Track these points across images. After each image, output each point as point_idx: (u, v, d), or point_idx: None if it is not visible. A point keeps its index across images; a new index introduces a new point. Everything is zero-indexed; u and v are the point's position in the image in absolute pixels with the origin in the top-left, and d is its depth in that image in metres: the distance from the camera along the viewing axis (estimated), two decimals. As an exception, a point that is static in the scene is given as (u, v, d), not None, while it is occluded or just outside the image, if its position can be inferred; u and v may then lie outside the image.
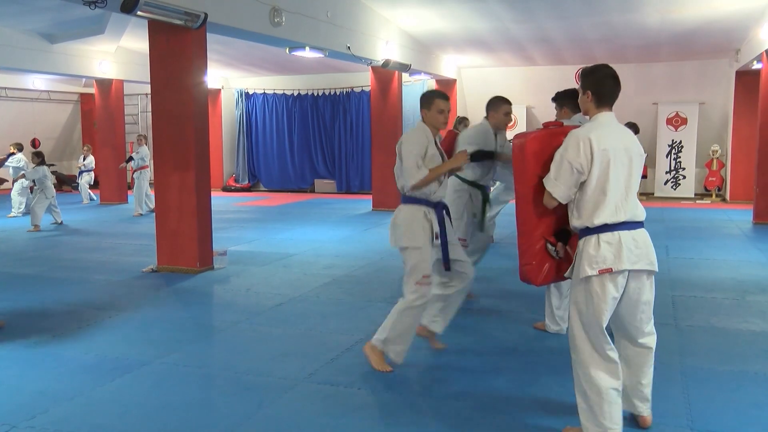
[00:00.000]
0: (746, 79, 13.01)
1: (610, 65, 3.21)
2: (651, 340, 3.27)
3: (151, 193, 12.03)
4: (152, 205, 11.61)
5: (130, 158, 12.89)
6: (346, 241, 9.26)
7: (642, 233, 3.10)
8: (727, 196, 14.00)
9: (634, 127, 8.71)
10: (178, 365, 4.38)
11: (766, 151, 10.53)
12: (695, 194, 14.49)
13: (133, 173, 12.69)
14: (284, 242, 9.20)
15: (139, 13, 6.28)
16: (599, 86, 3.14)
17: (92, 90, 15.14)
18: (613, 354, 3.11)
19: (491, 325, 5.23)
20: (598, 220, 3.04)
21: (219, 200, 13.01)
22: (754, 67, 11.68)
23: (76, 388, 3.98)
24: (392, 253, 8.12)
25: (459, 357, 4.50)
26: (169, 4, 6.52)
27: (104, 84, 14.06)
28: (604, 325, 3.09)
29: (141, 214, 12.19)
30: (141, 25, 8.28)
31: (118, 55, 13.74)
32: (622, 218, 3.05)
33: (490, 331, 5.06)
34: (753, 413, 3.54)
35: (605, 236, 3.03)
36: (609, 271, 2.99)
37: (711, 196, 14.35)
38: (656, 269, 3.13)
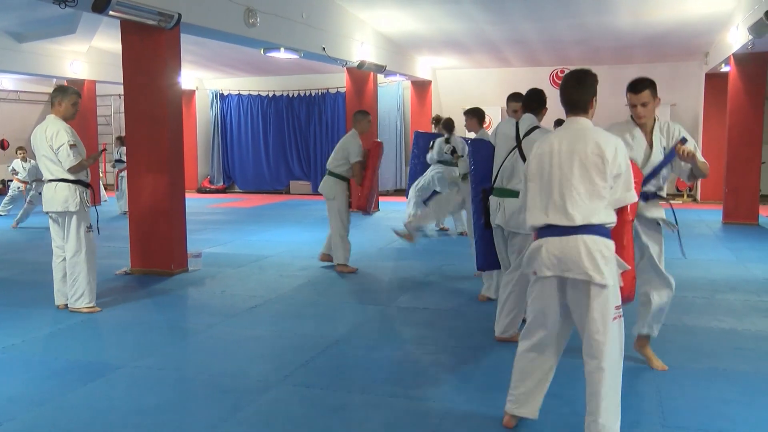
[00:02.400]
0: (715, 81, 13.24)
1: (584, 68, 3.23)
2: (602, 364, 2.99)
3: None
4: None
5: (121, 161, 12.56)
6: (321, 243, 9.18)
7: (575, 240, 2.96)
8: (698, 197, 14.22)
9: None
10: (152, 368, 4.33)
11: (734, 152, 10.73)
12: (667, 194, 14.61)
13: (119, 174, 12.52)
14: (259, 244, 9.15)
15: (111, 12, 6.20)
16: (561, 94, 3.21)
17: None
18: (533, 350, 3.23)
19: (450, 322, 5.26)
20: (530, 222, 3.16)
21: (193, 202, 12.91)
22: (722, 70, 11.89)
23: (46, 394, 3.91)
24: (367, 254, 8.13)
25: (436, 356, 4.51)
26: (141, 4, 6.45)
27: (76, 84, 13.84)
28: (547, 325, 3.16)
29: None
30: (113, 25, 8.19)
31: (90, 55, 13.55)
32: (553, 221, 3.02)
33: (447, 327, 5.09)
34: (723, 409, 3.60)
35: (537, 239, 3.11)
36: (534, 273, 3.11)
37: (683, 196, 14.56)
38: (595, 280, 2.94)
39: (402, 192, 14.70)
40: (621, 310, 3.05)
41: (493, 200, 4.58)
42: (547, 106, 4.77)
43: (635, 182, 3.16)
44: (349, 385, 4.02)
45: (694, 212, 12.19)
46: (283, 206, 14.08)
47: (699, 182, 14.23)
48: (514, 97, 5.11)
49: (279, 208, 13.66)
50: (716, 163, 13.14)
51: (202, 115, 17.55)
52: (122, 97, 7.55)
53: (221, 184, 17.36)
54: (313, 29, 9.95)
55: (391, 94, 15.83)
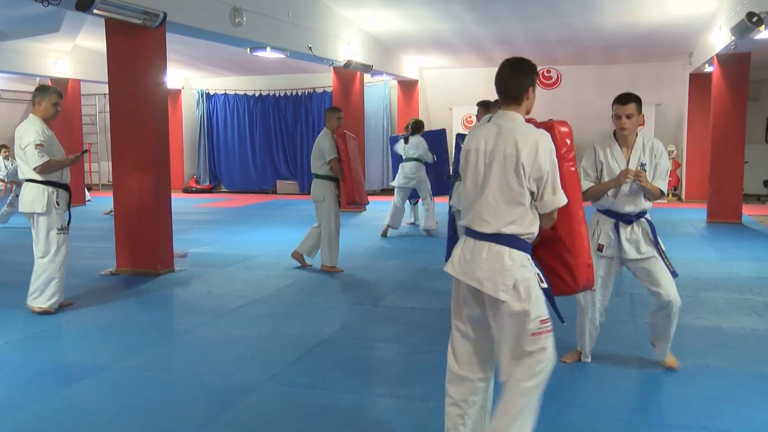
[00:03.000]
0: (699, 81, 13.35)
1: (523, 57, 2.94)
2: (510, 389, 2.75)
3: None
4: None
5: None
6: (308, 242, 9.21)
7: (481, 246, 2.76)
8: (683, 196, 14.34)
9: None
10: (138, 369, 4.31)
11: (718, 152, 10.82)
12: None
13: None
14: (246, 244, 9.12)
15: (95, 11, 6.15)
16: (495, 83, 2.88)
17: (47, 90, 14.78)
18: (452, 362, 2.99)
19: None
20: (459, 221, 3.11)
21: (180, 202, 12.83)
22: (706, 70, 11.99)
23: (30, 396, 3.87)
24: (354, 254, 8.13)
25: (423, 355, 4.52)
26: (126, 3, 6.40)
27: (60, 84, 13.72)
28: (457, 329, 2.96)
29: None
30: (98, 23, 8.11)
31: (75, 54, 13.44)
32: (466, 223, 2.88)
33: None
34: (707, 406, 3.64)
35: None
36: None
37: (667, 195, 14.65)
38: (486, 291, 2.71)
39: (389, 192, 14.70)
40: (549, 325, 2.75)
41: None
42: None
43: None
44: (336, 385, 4.01)
45: (679, 211, 12.28)
46: (270, 206, 14.03)
47: (684, 182, 14.36)
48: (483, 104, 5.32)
49: (265, 208, 13.62)
50: (701, 163, 13.31)
51: (188, 114, 17.45)
52: (107, 96, 7.50)
53: (207, 183, 17.28)
54: (300, 28, 9.93)
55: (378, 93, 15.82)
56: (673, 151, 14.58)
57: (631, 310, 5.55)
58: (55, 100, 5.56)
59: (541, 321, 2.73)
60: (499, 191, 2.75)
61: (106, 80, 7.29)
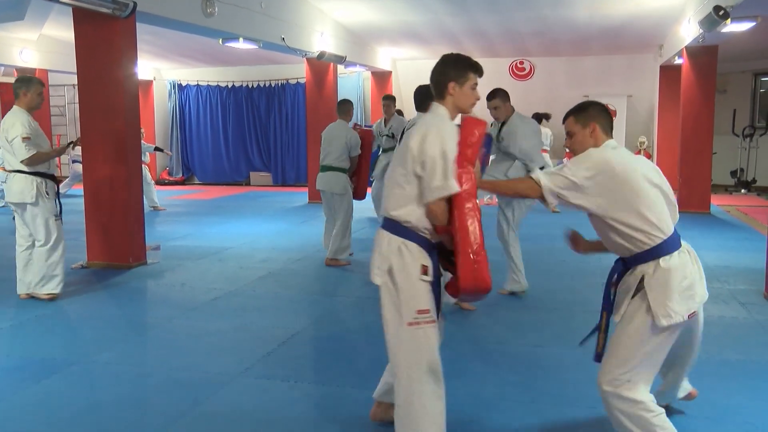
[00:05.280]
0: (669, 73, 13.52)
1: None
2: (396, 372, 2.87)
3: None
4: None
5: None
6: (282, 234, 9.19)
7: (377, 231, 2.91)
8: (653, 186, 14.54)
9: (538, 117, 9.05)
10: (109, 364, 4.27)
11: (688, 143, 11.00)
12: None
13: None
14: (219, 236, 9.06)
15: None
16: None
17: (11, 79, 14.49)
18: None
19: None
20: None
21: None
22: (675, 62, 12.16)
23: None
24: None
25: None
26: (95, -8, 6.30)
27: (27, 74, 13.45)
28: None
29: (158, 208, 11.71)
30: (65, 12, 7.95)
31: (41, 43, 13.17)
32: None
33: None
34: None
35: None
36: None
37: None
38: (371, 276, 2.89)
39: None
40: (428, 316, 2.77)
41: None
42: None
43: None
44: (310, 377, 4.02)
45: (649, 202, 12.44)
46: (243, 198, 13.95)
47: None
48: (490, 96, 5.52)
49: (239, 200, 13.53)
50: (672, 154, 13.51)
51: (160, 105, 17.23)
52: (76, 87, 7.37)
53: (180, 176, 17.10)
54: (272, 19, 9.85)
55: (352, 84, 15.77)
56: (644, 142, 14.79)
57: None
58: (39, 90, 5.69)
59: (418, 311, 2.76)
60: (392, 177, 2.83)
61: (75, 71, 7.17)
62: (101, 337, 4.84)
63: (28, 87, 5.61)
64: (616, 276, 2.90)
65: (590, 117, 2.90)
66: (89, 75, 7.05)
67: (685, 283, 2.73)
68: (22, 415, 3.54)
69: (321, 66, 12.38)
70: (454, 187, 2.69)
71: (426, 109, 4.62)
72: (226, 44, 9.54)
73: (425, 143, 2.70)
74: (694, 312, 2.76)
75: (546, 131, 11.77)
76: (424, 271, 2.77)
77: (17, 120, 5.50)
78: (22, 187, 5.51)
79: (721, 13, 7.49)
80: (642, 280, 2.73)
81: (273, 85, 16.28)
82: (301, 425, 3.41)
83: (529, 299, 5.67)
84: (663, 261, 2.73)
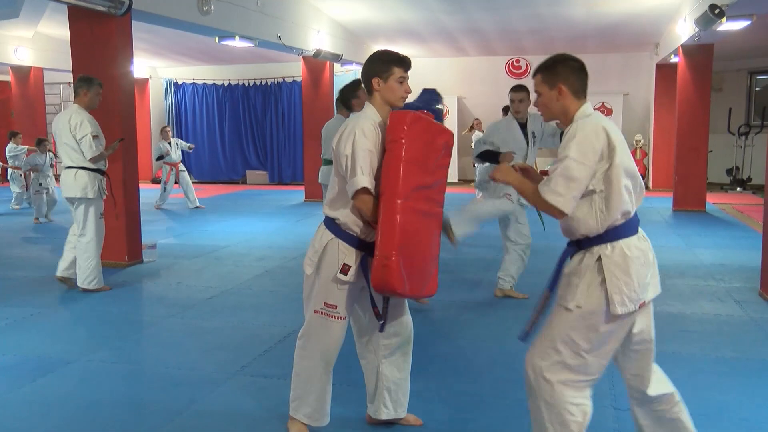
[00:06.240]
0: (665, 71, 13.55)
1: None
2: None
3: (175, 187, 11.84)
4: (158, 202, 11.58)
5: (160, 156, 12.00)
6: (278, 233, 9.18)
7: (318, 227, 3.03)
8: (650, 184, 14.57)
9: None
10: (105, 362, 4.26)
11: (684, 141, 11.01)
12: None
13: (172, 169, 11.92)
14: (216, 234, 9.05)
15: (57, -3, 6.04)
16: None
17: (8, 77, 14.46)
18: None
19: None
20: None
21: (148, 192, 12.64)
22: (671, 61, 12.18)
23: (-5, 390, 3.81)
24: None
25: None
26: (90, -10, 6.29)
27: (21, 71, 13.44)
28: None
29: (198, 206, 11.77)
30: (61, 10, 7.94)
31: (36, 41, 13.14)
32: None
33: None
34: (671, 391, 3.71)
35: None
36: None
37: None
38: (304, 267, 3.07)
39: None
40: (335, 311, 2.94)
41: None
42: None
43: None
44: (307, 375, 4.01)
45: (646, 200, 12.28)
46: (240, 196, 13.93)
47: (651, 171, 14.59)
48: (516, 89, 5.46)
49: (235, 199, 13.52)
50: (667, 152, 13.54)
51: (156, 104, 17.21)
52: (72, 85, 7.35)
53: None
54: (269, 17, 9.84)
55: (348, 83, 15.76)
56: (640, 141, 14.81)
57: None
58: (98, 90, 5.89)
59: (326, 304, 2.95)
60: (330, 176, 2.99)
61: (71, 69, 7.15)
62: (97, 335, 4.83)
63: (89, 87, 5.82)
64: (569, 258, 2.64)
65: (558, 77, 2.59)
66: (85, 73, 6.99)
67: (643, 271, 2.55)
68: (17, 412, 3.53)
69: (317, 64, 12.37)
70: (360, 183, 2.71)
71: (351, 109, 4.67)
72: (222, 42, 9.52)
73: (340, 143, 2.81)
74: (644, 303, 2.59)
75: None
76: (344, 270, 2.85)
77: (84, 118, 5.73)
78: (86, 183, 5.77)
79: (716, 11, 7.50)
80: (599, 259, 2.52)
81: (269, 84, 16.27)
82: (298, 423, 3.40)
83: (528, 299, 5.67)
84: (623, 243, 2.55)
